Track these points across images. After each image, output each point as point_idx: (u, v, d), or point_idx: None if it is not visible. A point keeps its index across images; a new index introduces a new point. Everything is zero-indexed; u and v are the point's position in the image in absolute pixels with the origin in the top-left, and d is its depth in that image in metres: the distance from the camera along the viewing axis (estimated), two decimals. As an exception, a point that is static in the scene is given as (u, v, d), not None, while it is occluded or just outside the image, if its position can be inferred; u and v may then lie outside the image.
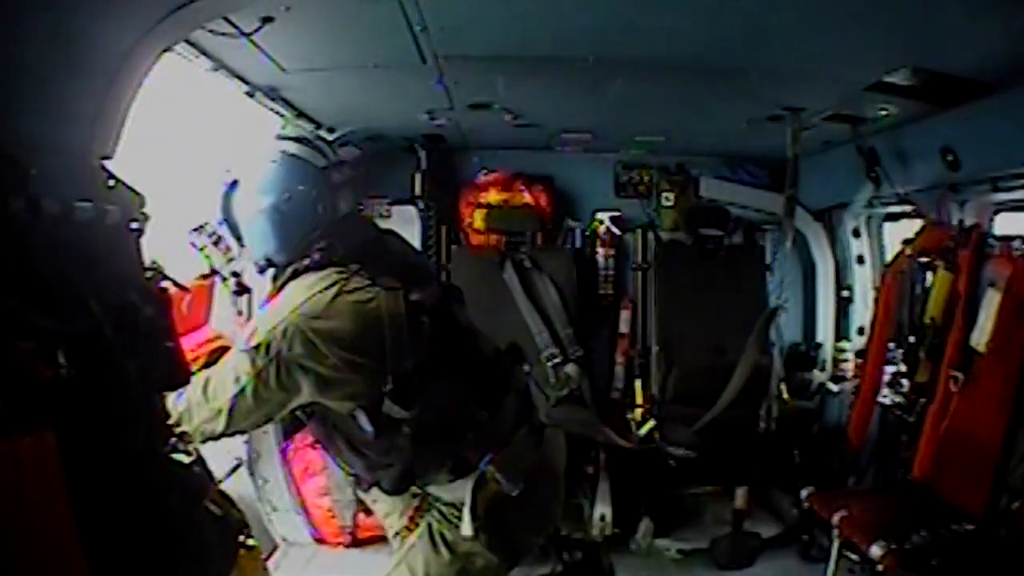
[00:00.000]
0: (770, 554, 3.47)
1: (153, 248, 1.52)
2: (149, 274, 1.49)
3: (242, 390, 1.82)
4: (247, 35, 2.02)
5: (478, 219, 4.35)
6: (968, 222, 2.96)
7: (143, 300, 1.40)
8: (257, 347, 1.80)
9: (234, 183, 2.05)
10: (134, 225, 1.46)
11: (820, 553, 3.17)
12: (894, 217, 3.94)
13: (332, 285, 1.86)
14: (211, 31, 1.93)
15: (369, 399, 1.86)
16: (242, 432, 1.98)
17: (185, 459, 1.48)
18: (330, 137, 3.55)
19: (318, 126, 3.43)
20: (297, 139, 2.12)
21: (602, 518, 3.40)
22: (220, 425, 1.86)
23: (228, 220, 2.08)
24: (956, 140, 2.82)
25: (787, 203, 3.43)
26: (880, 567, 2.36)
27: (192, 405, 1.86)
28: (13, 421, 1.00)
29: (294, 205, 2.00)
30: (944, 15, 1.91)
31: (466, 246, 4.45)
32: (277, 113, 3.11)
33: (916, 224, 3.29)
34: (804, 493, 2.92)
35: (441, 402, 1.92)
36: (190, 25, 1.67)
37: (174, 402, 1.85)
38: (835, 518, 2.60)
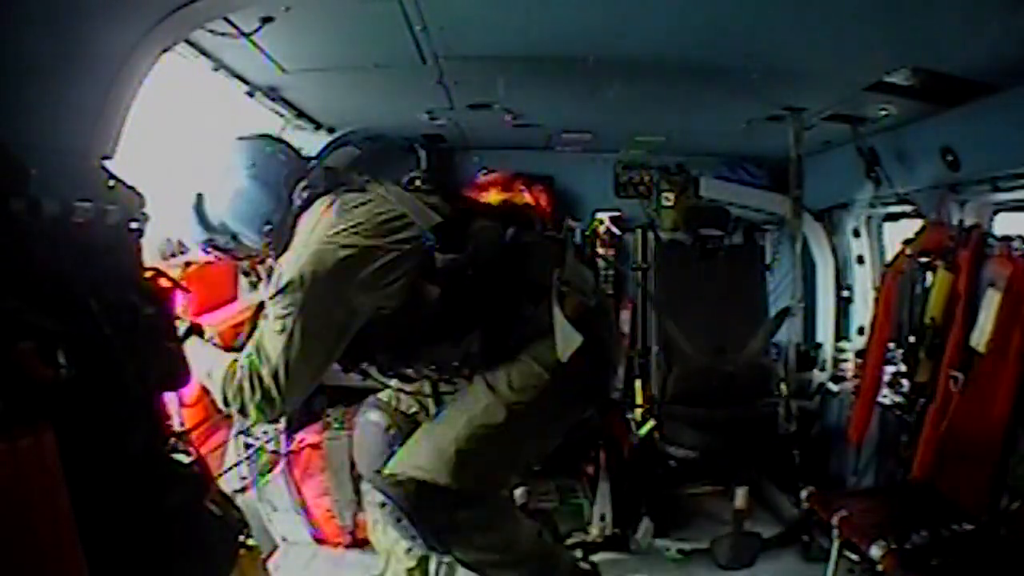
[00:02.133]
0: (770, 554, 3.46)
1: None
2: (149, 274, 1.49)
3: (290, 336, 1.81)
4: (247, 35, 2.03)
5: (478, 218, 4.34)
6: (968, 222, 2.96)
7: (143, 300, 1.40)
8: (289, 283, 1.81)
9: (199, 196, 2.09)
10: (134, 225, 1.46)
11: (820, 553, 3.16)
12: (894, 217, 3.94)
13: (332, 203, 1.93)
14: (211, 31, 1.93)
15: (422, 265, 1.90)
16: (300, 392, 1.93)
17: (185, 459, 1.48)
18: (330, 137, 3.55)
19: (318, 126, 3.43)
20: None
21: (602, 518, 3.39)
22: (279, 387, 1.83)
23: (214, 230, 2.10)
24: (956, 140, 2.82)
25: (793, 204, 3.43)
26: (880, 567, 2.35)
27: (244, 385, 1.85)
28: (13, 421, 1.00)
29: (262, 167, 2.07)
30: (944, 15, 1.91)
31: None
32: (277, 113, 3.11)
33: (916, 224, 3.29)
34: (804, 493, 2.91)
35: (489, 239, 2.03)
36: (190, 25, 1.67)
37: (222, 401, 1.89)
38: (835, 518, 2.60)
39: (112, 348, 1.23)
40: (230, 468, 3.14)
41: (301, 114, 3.21)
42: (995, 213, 3.05)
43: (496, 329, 2.03)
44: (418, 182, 2.17)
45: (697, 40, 2.22)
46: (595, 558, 3.31)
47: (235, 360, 1.89)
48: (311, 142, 3.53)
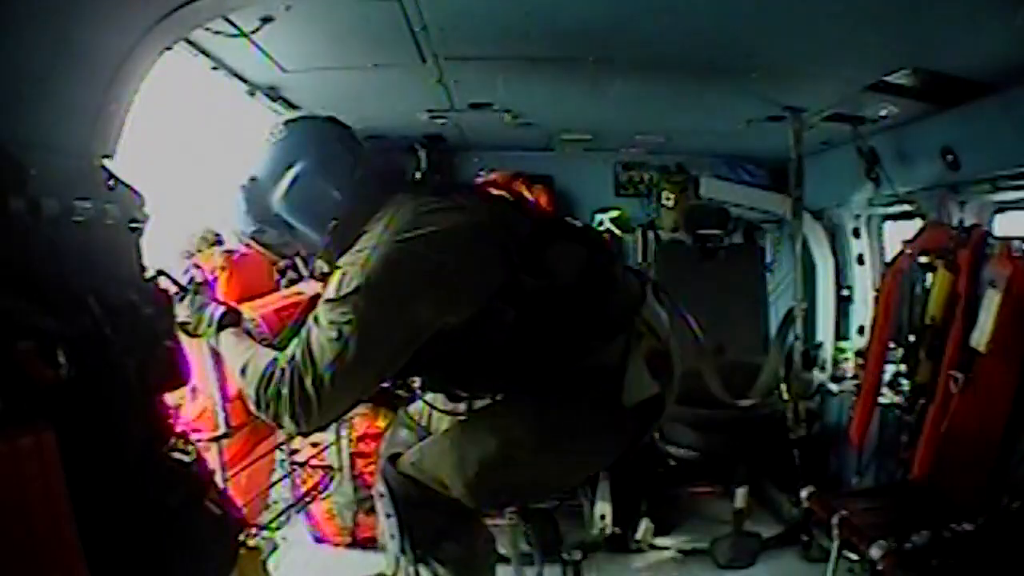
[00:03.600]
0: (770, 554, 3.46)
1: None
2: (149, 274, 1.49)
3: (344, 346, 1.60)
4: (247, 35, 2.03)
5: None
6: (968, 222, 2.96)
7: (143, 300, 1.40)
8: (355, 289, 1.60)
9: (252, 179, 1.86)
10: (134, 225, 1.46)
11: (820, 553, 3.16)
12: (894, 217, 3.94)
13: (407, 203, 1.73)
14: (211, 31, 1.93)
15: (500, 284, 1.69)
16: (341, 409, 1.74)
17: (185, 459, 1.48)
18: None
19: (318, 126, 3.43)
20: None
21: (602, 518, 3.39)
22: (320, 399, 1.62)
23: (268, 222, 1.87)
24: (956, 140, 2.82)
25: (794, 204, 3.42)
26: (880, 567, 2.35)
27: (282, 391, 1.64)
28: (13, 421, 1.00)
29: (327, 153, 1.84)
30: (944, 15, 1.91)
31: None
32: (277, 113, 3.11)
33: (916, 224, 3.29)
34: (804, 493, 2.91)
35: (574, 264, 1.81)
36: (190, 25, 1.67)
37: (253, 403, 1.71)
38: (835, 518, 2.60)
39: (112, 348, 1.23)
40: (275, 483, 3.03)
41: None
42: (995, 213, 3.05)
43: (557, 360, 1.80)
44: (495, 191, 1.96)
45: (697, 40, 2.22)
46: (595, 558, 3.32)
47: (275, 359, 1.70)
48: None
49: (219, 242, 2.75)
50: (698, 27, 2.11)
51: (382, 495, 1.99)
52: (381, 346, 1.65)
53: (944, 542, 2.39)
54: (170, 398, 2.21)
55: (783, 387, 3.78)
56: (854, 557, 2.66)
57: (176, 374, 1.53)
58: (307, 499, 3.21)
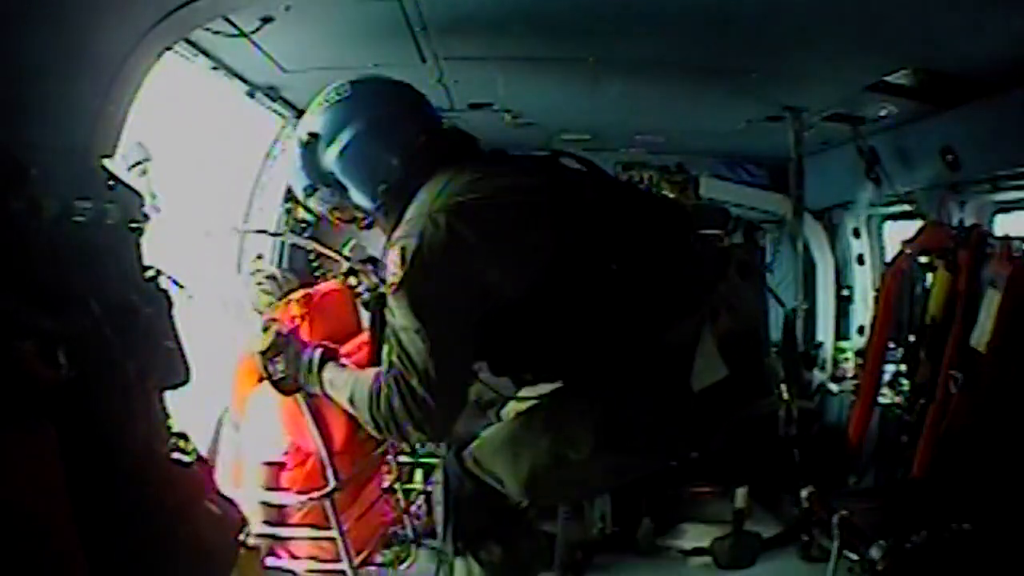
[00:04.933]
0: (770, 554, 3.46)
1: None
2: (149, 274, 1.49)
3: (428, 329, 1.57)
4: (247, 35, 2.03)
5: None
6: (968, 222, 2.96)
7: (143, 300, 1.40)
8: (407, 275, 1.56)
9: (313, 136, 1.80)
10: (134, 225, 1.46)
11: (820, 553, 3.16)
12: (894, 217, 3.94)
13: (462, 169, 1.69)
14: (211, 31, 1.93)
15: (561, 252, 1.62)
16: (455, 397, 1.67)
17: (185, 459, 1.48)
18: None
19: (318, 126, 3.42)
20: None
21: (602, 518, 3.39)
22: (433, 394, 1.58)
23: (322, 178, 1.81)
24: (956, 140, 2.81)
25: (795, 204, 3.42)
26: (880, 567, 2.35)
27: (394, 403, 1.61)
28: (14, 421, 1.00)
29: (387, 116, 1.80)
30: (944, 15, 1.91)
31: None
32: (277, 113, 3.11)
33: (916, 224, 3.29)
34: (804, 493, 2.91)
35: (644, 225, 1.73)
36: (190, 25, 1.67)
37: (373, 427, 1.68)
38: (835, 518, 2.60)
39: (112, 348, 1.23)
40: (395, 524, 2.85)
41: (301, 114, 3.20)
42: (995, 213, 3.05)
43: (622, 340, 1.68)
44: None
45: (697, 40, 2.22)
46: (595, 558, 3.32)
47: (377, 374, 1.67)
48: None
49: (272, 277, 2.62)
50: (698, 27, 2.11)
51: (438, 483, 2.01)
52: (457, 317, 1.61)
53: (944, 542, 2.39)
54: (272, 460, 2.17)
55: (783, 387, 3.78)
56: (854, 557, 2.66)
57: (176, 374, 1.53)
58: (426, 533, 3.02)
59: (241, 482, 2.24)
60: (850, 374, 4.13)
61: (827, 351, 4.40)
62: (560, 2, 1.99)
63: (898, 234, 3.66)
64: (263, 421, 2.19)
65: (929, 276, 3.06)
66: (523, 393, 1.90)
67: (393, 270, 1.60)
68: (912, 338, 3.13)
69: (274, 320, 2.10)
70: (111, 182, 1.42)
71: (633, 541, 3.47)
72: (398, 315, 1.60)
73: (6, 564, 0.97)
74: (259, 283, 2.42)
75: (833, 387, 4.20)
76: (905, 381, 3.24)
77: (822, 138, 3.42)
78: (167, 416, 1.55)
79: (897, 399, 3.34)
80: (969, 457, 2.66)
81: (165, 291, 1.54)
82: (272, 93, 2.79)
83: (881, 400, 3.42)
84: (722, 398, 1.69)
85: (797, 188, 3.42)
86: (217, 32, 1.97)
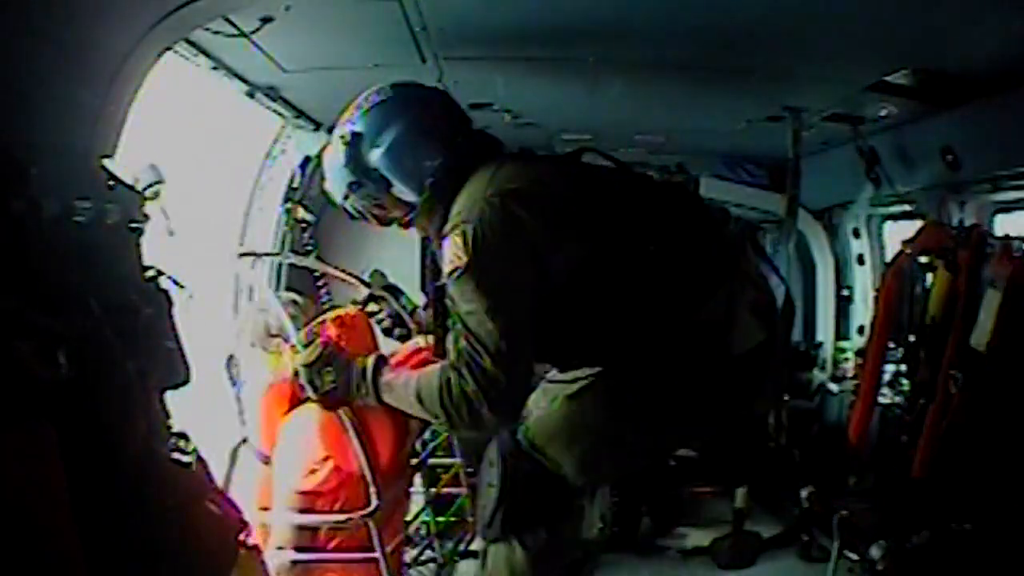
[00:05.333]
0: (770, 554, 3.47)
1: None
2: (149, 274, 1.49)
3: (494, 309, 1.65)
4: (247, 35, 2.03)
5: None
6: (968, 222, 2.96)
7: (143, 300, 1.40)
8: (471, 257, 1.65)
9: (356, 135, 1.92)
10: (134, 225, 1.46)
11: (820, 553, 3.17)
12: (894, 217, 3.94)
13: (504, 162, 1.83)
14: (211, 31, 1.93)
15: (598, 236, 1.74)
16: (525, 372, 1.74)
17: (185, 459, 1.48)
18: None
19: (318, 126, 3.43)
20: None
21: (602, 518, 3.40)
22: (506, 372, 1.65)
23: (365, 174, 1.92)
24: (956, 140, 2.82)
25: (789, 203, 3.42)
26: (880, 567, 2.35)
27: (467, 389, 1.67)
28: (14, 420, 1.00)
29: (430, 117, 1.92)
30: (944, 15, 1.91)
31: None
32: (277, 113, 3.11)
33: (916, 224, 3.29)
34: (804, 493, 2.92)
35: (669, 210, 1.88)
36: (190, 25, 1.67)
37: (448, 421, 1.73)
38: (835, 518, 2.60)
39: (112, 348, 1.23)
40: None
41: (301, 114, 3.21)
42: (995, 213, 3.06)
43: (663, 316, 1.79)
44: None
45: (697, 40, 2.22)
46: (595, 558, 3.32)
47: (441, 367, 1.73)
48: (310, 142, 3.54)
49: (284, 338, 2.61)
50: (698, 27, 2.11)
51: (492, 464, 1.98)
52: (517, 294, 1.70)
53: (944, 542, 2.39)
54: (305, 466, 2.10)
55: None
56: (854, 557, 2.66)
57: (176, 374, 1.53)
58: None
59: (272, 509, 2.18)
60: (850, 374, 4.13)
61: (827, 351, 4.40)
62: (560, 2, 1.99)
63: (898, 234, 3.67)
64: (297, 446, 2.15)
65: (929, 276, 3.07)
66: (556, 376, 1.97)
67: (455, 255, 1.68)
68: (912, 338, 3.13)
69: (317, 333, 2.10)
70: (111, 182, 1.42)
71: (633, 541, 3.48)
72: (464, 299, 1.68)
73: (6, 564, 0.97)
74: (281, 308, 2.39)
75: (833, 387, 4.20)
76: (905, 381, 3.24)
77: (822, 138, 3.42)
78: (167, 416, 1.55)
79: (897, 399, 3.34)
80: (969, 457, 2.66)
81: (165, 291, 1.54)
82: (272, 93, 2.79)
83: (881, 400, 3.42)
84: (762, 361, 1.85)
85: (793, 188, 3.42)
86: (217, 32, 1.97)
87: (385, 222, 2.03)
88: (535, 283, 1.71)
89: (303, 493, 2.12)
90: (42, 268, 1.12)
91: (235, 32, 2.00)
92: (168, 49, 1.60)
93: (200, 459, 1.54)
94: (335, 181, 1.97)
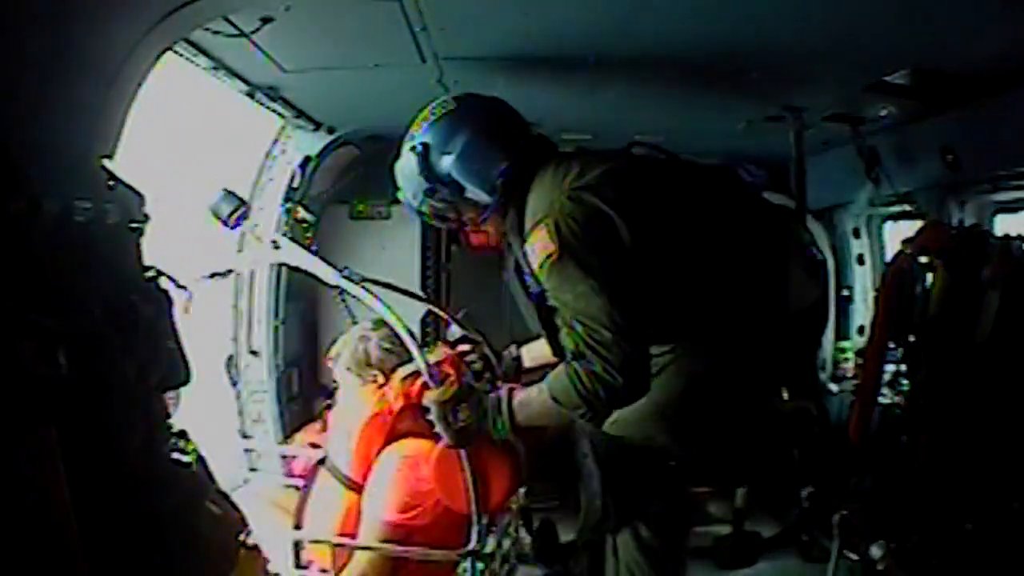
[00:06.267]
0: (770, 554, 3.47)
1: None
2: (149, 274, 1.49)
3: (600, 287, 1.76)
4: (247, 35, 2.03)
5: (478, 219, 4.33)
6: (968, 222, 2.97)
7: (143, 300, 1.40)
8: (562, 244, 1.78)
9: (425, 145, 2.05)
10: (134, 225, 1.46)
11: (820, 553, 3.17)
12: (894, 217, 3.94)
13: (569, 166, 1.95)
14: (211, 31, 1.93)
15: (667, 226, 1.89)
16: (642, 336, 1.83)
17: (185, 459, 1.48)
18: (330, 137, 3.55)
19: (318, 126, 3.43)
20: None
21: (603, 515, 3.39)
22: (628, 339, 1.75)
23: (439, 180, 2.05)
24: (956, 140, 2.82)
25: (798, 205, 3.42)
26: (880, 567, 2.35)
27: (596, 369, 1.75)
28: (14, 420, 1.00)
29: (496, 124, 2.06)
30: (944, 15, 1.92)
31: (466, 246, 4.43)
32: (277, 113, 3.11)
33: (916, 224, 3.29)
34: (804, 493, 2.92)
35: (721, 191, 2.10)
36: (190, 25, 1.67)
37: (589, 408, 1.80)
38: (835, 518, 2.60)
39: (112, 348, 1.23)
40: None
41: (301, 114, 3.21)
42: (995, 213, 3.06)
43: (730, 286, 1.95)
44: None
45: (697, 40, 2.22)
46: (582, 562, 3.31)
47: (566, 363, 1.83)
48: (310, 142, 3.54)
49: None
50: (698, 27, 2.11)
51: (586, 455, 2.05)
52: (618, 269, 1.80)
53: (944, 542, 2.39)
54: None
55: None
56: (854, 557, 2.66)
57: (176, 374, 1.53)
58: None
59: (357, 537, 2.17)
60: (850, 374, 4.13)
61: (827, 351, 4.40)
62: (560, 2, 1.99)
63: (898, 234, 3.66)
64: (397, 479, 2.14)
65: (929, 276, 3.07)
66: None
67: (544, 247, 1.81)
68: (912, 338, 3.13)
69: (449, 373, 2.15)
70: (111, 182, 1.42)
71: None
72: (566, 285, 1.80)
73: (6, 564, 0.97)
74: (382, 339, 2.41)
75: (833, 387, 4.20)
76: (905, 381, 3.24)
77: (822, 138, 3.42)
78: (167, 416, 1.55)
79: (897, 399, 3.34)
80: (969, 457, 2.66)
81: (165, 291, 1.54)
82: (272, 93, 2.79)
83: (881, 400, 3.42)
84: (817, 317, 2.14)
85: (798, 188, 3.42)
86: (217, 32, 1.97)
87: (460, 225, 2.18)
88: (624, 263, 1.82)
89: (397, 525, 2.11)
90: (42, 268, 1.12)
91: (235, 32, 2.00)
92: (168, 49, 1.60)
93: (200, 459, 1.54)
94: (410, 189, 2.12)
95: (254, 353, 3.56)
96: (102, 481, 1.17)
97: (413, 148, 2.06)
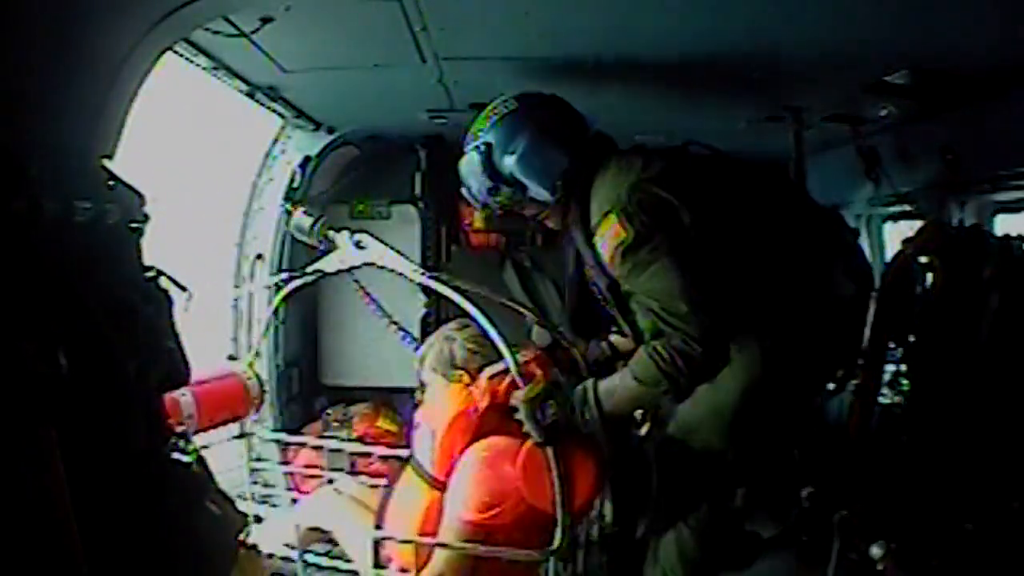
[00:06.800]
0: (770, 554, 3.46)
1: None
2: (149, 274, 1.49)
3: (675, 265, 1.89)
4: (247, 35, 2.03)
5: (478, 219, 4.35)
6: (968, 222, 2.96)
7: (143, 300, 1.40)
8: (636, 231, 1.89)
9: (486, 144, 2.15)
10: (134, 225, 1.46)
11: (820, 553, 3.16)
12: (894, 217, 3.94)
13: (630, 161, 2.07)
14: (211, 31, 1.93)
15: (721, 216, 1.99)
16: (717, 308, 1.93)
17: (185, 459, 1.48)
18: (330, 137, 3.55)
19: (318, 126, 3.43)
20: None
21: (603, 517, 3.39)
22: (705, 309, 1.86)
23: (503, 180, 2.15)
24: (956, 140, 2.82)
25: None
26: (880, 567, 2.35)
27: (675, 343, 1.87)
28: (14, 420, 1.00)
29: (556, 122, 2.17)
30: (944, 15, 1.92)
31: (466, 246, 4.44)
32: (277, 113, 3.11)
33: (916, 224, 3.29)
34: (804, 493, 2.91)
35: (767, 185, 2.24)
36: (190, 25, 1.67)
37: (672, 383, 1.91)
38: (835, 518, 2.60)
39: (112, 348, 1.23)
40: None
41: (301, 114, 3.21)
42: (995, 213, 3.05)
43: (777, 287, 2.04)
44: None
45: (697, 40, 2.22)
46: (595, 558, 3.31)
47: (645, 344, 1.94)
48: (310, 142, 3.54)
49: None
50: (698, 27, 2.12)
51: (648, 461, 2.16)
52: (687, 253, 1.91)
53: (944, 542, 2.39)
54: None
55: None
56: (854, 557, 2.66)
57: (176, 374, 1.53)
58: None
59: (438, 536, 2.16)
60: (850, 374, 4.12)
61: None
62: (560, 3, 1.99)
63: (898, 234, 3.66)
64: (475, 477, 2.14)
65: (929, 276, 3.06)
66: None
67: (616, 235, 1.93)
68: (912, 338, 3.13)
69: (535, 372, 2.17)
70: (111, 182, 1.42)
71: (634, 540, 3.47)
72: (640, 268, 1.92)
73: (6, 564, 0.97)
74: (466, 340, 2.41)
75: (833, 387, 4.19)
76: (905, 381, 3.24)
77: (822, 138, 3.42)
78: (167, 416, 1.55)
79: (897, 399, 3.33)
80: (969, 457, 2.66)
81: (165, 291, 1.54)
82: (272, 93, 2.79)
83: (881, 400, 3.41)
84: (856, 313, 2.27)
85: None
86: (217, 32, 1.97)
87: (526, 220, 2.30)
88: (689, 248, 1.93)
89: (477, 524, 2.10)
90: (42, 268, 1.12)
91: (235, 32, 2.00)
92: (168, 49, 1.60)
93: (200, 459, 1.54)
94: (475, 187, 2.22)
95: (257, 355, 3.56)
96: (102, 481, 1.17)
97: (476, 148, 2.16)
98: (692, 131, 3.81)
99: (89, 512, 1.10)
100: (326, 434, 3.70)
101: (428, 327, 3.95)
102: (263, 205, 3.57)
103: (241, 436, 2.81)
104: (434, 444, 2.21)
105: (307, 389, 4.02)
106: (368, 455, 3.40)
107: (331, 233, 2.35)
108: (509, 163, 2.12)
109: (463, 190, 2.28)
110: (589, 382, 2.07)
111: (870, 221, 4.10)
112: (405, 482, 2.29)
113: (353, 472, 3.18)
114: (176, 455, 1.46)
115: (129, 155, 1.51)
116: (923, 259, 3.11)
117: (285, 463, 3.47)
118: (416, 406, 2.41)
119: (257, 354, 2.93)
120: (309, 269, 2.48)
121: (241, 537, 1.64)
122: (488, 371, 2.26)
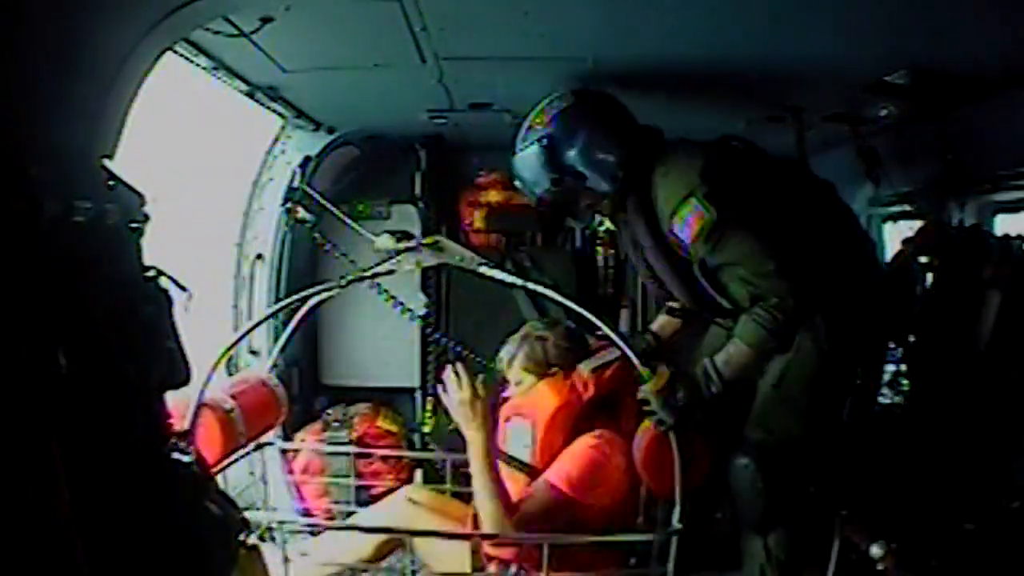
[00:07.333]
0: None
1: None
2: (149, 274, 1.49)
3: (761, 235, 2.11)
4: (247, 35, 2.03)
5: (478, 219, 4.34)
6: (968, 222, 2.96)
7: (143, 300, 1.40)
8: (719, 210, 2.08)
9: (547, 138, 2.28)
10: (134, 225, 1.46)
11: (820, 553, 3.16)
12: (894, 217, 3.93)
13: (685, 150, 2.27)
14: (211, 31, 1.93)
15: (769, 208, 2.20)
16: (799, 273, 2.12)
17: (185, 459, 1.48)
18: (330, 137, 3.55)
19: (318, 126, 3.43)
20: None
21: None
22: (791, 270, 2.08)
23: (564, 171, 2.29)
24: (956, 140, 2.82)
25: None
26: (880, 567, 2.35)
27: (772, 303, 2.08)
28: (14, 420, 1.00)
29: (612, 117, 2.33)
30: (944, 15, 1.92)
31: (466, 246, 4.43)
32: (277, 113, 3.11)
33: (916, 224, 3.29)
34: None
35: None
36: (190, 25, 1.67)
37: (776, 340, 2.12)
38: (835, 518, 2.60)
39: (112, 348, 1.23)
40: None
41: (301, 114, 3.21)
42: (995, 213, 3.05)
43: (824, 273, 2.19)
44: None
45: (697, 40, 2.23)
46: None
47: (745, 313, 2.12)
48: (310, 142, 3.54)
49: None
50: (698, 27, 2.12)
51: (747, 466, 2.22)
52: (766, 228, 2.13)
53: (944, 542, 2.39)
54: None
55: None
56: (854, 557, 2.66)
57: (176, 374, 1.53)
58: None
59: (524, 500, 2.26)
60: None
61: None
62: (560, 2, 1.99)
63: (898, 234, 3.66)
64: (583, 454, 2.28)
65: (929, 276, 3.06)
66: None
67: (698, 219, 2.09)
68: (912, 338, 3.13)
69: (658, 363, 2.29)
70: (111, 182, 1.42)
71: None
72: (730, 245, 2.11)
73: (6, 564, 0.97)
74: (559, 339, 2.57)
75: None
76: (905, 381, 3.24)
77: (822, 138, 3.42)
78: (167, 416, 1.55)
79: (897, 399, 3.34)
80: (969, 457, 2.66)
81: (165, 291, 1.54)
82: (272, 93, 2.79)
83: (881, 400, 3.41)
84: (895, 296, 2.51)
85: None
86: (217, 32, 1.97)
87: (582, 211, 2.43)
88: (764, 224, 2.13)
89: (569, 497, 2.20)
90: (42, 269, 1.12)
91: (235, 32, 2.00)
92: (168, 49, 1.60)
93: (200, 459, 1.54)
94: (535, 181, 2.35)
95: (254, 353, 3.56)
96: (102, 482, 1.17)
97: (538, 142, 2.28)
98: (693, 131, 3.82)
99: (89, 512, 1.10)
100: (326, 434, 3.70)
101: (429, 327, 3.95)
102: (263, 205, 3.57)
103: (259, 447, 2.78)
104: (535, 436, 2.34)
105: (307, 389, 4.02)
106: (369, 456, 3.41)
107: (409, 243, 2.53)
108: (571, 156, 2.25)
109: (517, 183, 2.41)
110: (706, 360, 2.21)
111: (870, 221, 4.10)
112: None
113: (357, 477, 3.20)
114: (176, 455, 1.46)
115: (129, 155, 1.51)
116: (923, 259, 3.12)
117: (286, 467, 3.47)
118: (498, 405, 2.49)
119: (254, 353, 2.94)
120: (379, 269, 2.59)
121: (241, 537, 1.64)
122: (585, 365, 2.42)
